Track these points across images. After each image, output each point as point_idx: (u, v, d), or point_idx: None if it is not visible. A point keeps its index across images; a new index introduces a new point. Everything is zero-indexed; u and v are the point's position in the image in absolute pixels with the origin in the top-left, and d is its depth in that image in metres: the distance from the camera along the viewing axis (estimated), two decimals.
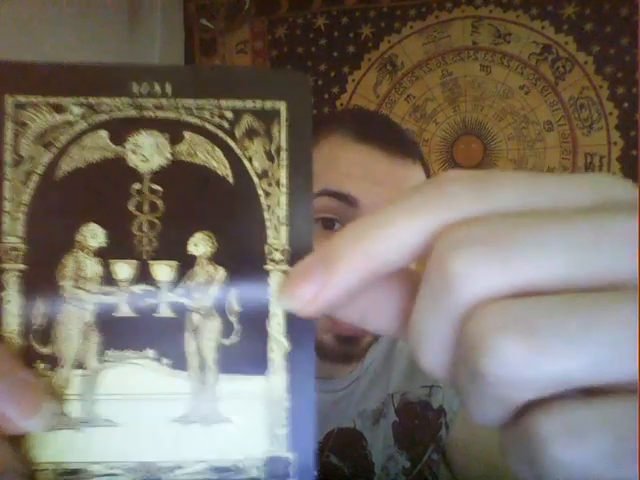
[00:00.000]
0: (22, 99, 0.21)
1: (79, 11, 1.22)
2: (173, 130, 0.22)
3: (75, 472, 0.21)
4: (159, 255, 0.22)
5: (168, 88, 0.22)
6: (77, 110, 0.22)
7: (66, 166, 0.22)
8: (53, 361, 0.21)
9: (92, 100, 0.22)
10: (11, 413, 0.19)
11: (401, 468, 0.61)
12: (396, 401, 0.63)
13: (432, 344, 0.17)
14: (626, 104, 1.37)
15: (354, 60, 1.50)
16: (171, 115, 0.22)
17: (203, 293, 0.22)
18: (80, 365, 0.21)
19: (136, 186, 0.22)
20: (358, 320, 0.20)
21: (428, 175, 0.60)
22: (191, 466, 0.21)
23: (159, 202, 0.22)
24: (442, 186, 0.17)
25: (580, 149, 1.40)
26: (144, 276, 0.21)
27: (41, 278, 0.21)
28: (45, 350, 0.21)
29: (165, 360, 0.21)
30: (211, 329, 0.22)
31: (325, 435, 0.60)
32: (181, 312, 0.22)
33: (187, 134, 0.22)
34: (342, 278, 0.17)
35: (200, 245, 0.21)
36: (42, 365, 0.21)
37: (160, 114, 0.22)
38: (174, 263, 0.22)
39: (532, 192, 0.17)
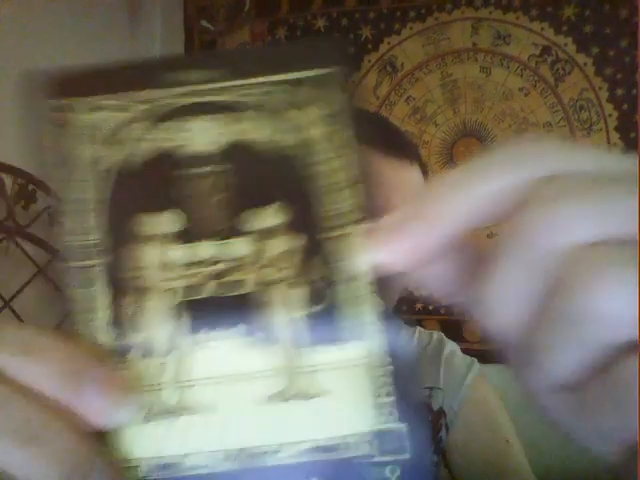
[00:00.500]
0: (69, 101, 0.22)
1: (79, 11, 1.22)
2: (235, 110, 0.22)
3: (170, 466, 0.20)
4: (236, 232, 0.22)
5: (219, 72, 0.22)
6: (135, 106, 0.22)
7: (133, 159, 0.22)
8: (145, 349, 0.21)
9: (148, 94, 0.22)
10: (96, 407, 0.18)
11: None
12: None
13: (513, 299, 0.17)
14: (626, 106, 1.37)
15: (354, 62, 1.50)
16: (230, 97, 0.22)
17: (285, 263, 0.21)
18: (172, 351, 0.21)
19: (205, 168, 0.22)
20: (419, 281, 0.20)
21: (426, 177, 0.60)
22: (294, 447, 0.20)
23: (228, 181, 0.22)
24: (539, 143, 0.18)
25: None
26: (225, 254, 0.22)
27: (126, 269, 0.22)
28: (137, 339, 0.21)
29: (255, 336, 0.21)
30: (298, 299, 0.21)
31: None
32: (266, 285, 0.21)
33: (249, 112, 0.22)
34: (439, 231, 0.17)
35: (274, 217, 0.22)
36: (135, 354, 0.21)
37: (219, 97, 0.22)
38: (252, 238, 0.22)
39: (602, 160, 0.18)
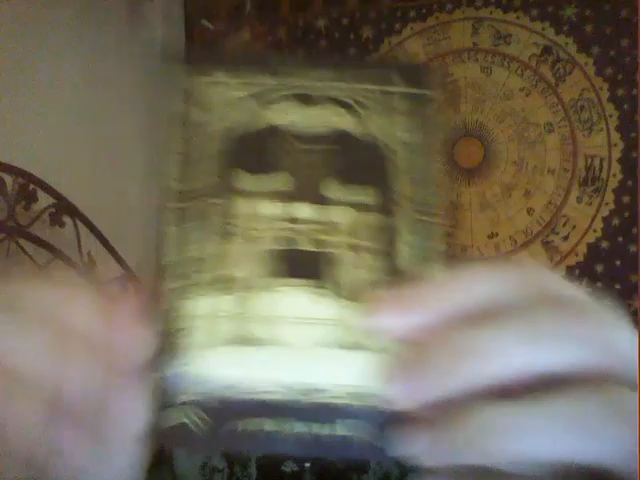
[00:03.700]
0: (198, 79, 0.25)
1: (79, 11, 1.22)
2: (335, 105, 0.25)
3: (231, 387, 0.22)
4: (330, 201, 0.24)
5: (329, 74, 0.26)
6: (236, 83, 0.26)
7: (244, 128, 0.25)
8: (222, 283, 0.23)
9: (265, 79, 0.26)
10: (122, 346, 0.21)
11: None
12: None
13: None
14: (626, 106, 1.37)
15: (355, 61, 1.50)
16: (333, 93, 0.26)
17: (366, 235, 0.24)
18: (246, 288, 0.23)
19: (308, 146, 0.25)
20: None
21: None
22: (335, 390, 0.22)
23: (330, 158, 0.25)
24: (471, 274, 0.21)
25: (580, 151, 1.40)
26: (316, 217, 0.24)
27: (221, 215, 0.24)
28: (216, 273, 0.23)
29: (323, 289, 0.23)
30: (370, 265, 0.24)
31: None
32: (345, 249, 0.24)
33: (348, 109, 0.26)
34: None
35: (366, 195, 0.24)
36: (211, 286, 0.23)
37: (323, 92, 0.26)
38: (344, 208, 0.24)
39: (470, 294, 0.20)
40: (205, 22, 1.51)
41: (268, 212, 0.24)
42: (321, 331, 0.23)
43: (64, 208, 1.08)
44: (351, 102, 0.26)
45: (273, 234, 0.24)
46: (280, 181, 0.24)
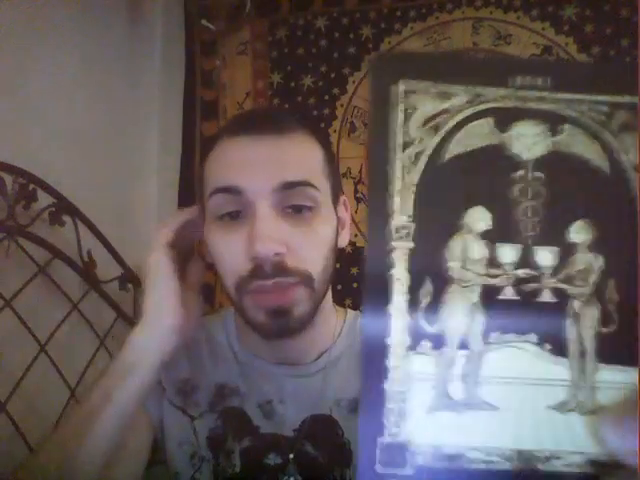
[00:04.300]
0: (412, 86, 0.23)
1: (79, 11, 1.22)
2: (553, 121, 0.23)
3: (453, 457, 0.21)
4: (541, 241, 0.22)
5: (549, 81, 0.23)
6: (463, 97, 0.23)
7: (452, 149, 0.23)
8: (439, 340, 0.22)
9: (478, 89, 0.23)
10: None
11: None
12: None
13: None
14: None
15: (354, 61, 1.50)
16: (551, 107, 0.23)
17: (584, 280, 0.22)
18: (464, 346, 0.22)
19: (519, 173, 0.23)
20: None
21: (325, 141, 0.63)
22: (569, 457, 0.20)
23: (541, 189, 0.22)
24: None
25: None
26: (527, 260, 0.22)
27: (429, 257, 0.22)
28: (431, 329, 0.22)
29: (546, 345, 0.21)
30: (591, 317, 0.21)
31: (300, 423, 0.61)
32: (562, 298, 0.22)
33: (566, 126, 0.23)
34: None
35: (580, 233, 0.22)
36: (428, 344, 0.22)
37: (541, 106, 0.23)
38: (556, 249, 0.22)
39: None
40: (205, 22, 1.51)
41: (475, 255, 0.22)
42: (546, 394, 0.21)
43: (64, 208, 1.08)
44: (560, 116, 0.23)
45: (482, 281, 0.22)
46: (485, 218, 0.22)
